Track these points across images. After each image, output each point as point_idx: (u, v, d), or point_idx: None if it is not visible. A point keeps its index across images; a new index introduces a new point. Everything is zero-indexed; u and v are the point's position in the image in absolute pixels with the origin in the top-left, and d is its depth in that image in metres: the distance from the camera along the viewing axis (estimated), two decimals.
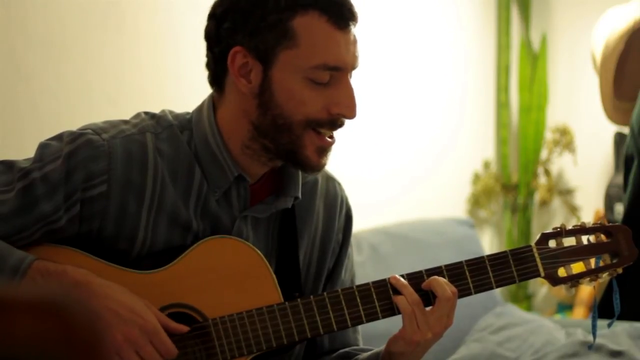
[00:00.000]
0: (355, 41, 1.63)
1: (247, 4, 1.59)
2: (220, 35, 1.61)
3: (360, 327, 1.81)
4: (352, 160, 3.28)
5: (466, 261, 1.69)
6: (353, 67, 1.63)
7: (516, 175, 4.05)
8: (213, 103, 1.67)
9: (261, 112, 1.61)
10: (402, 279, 1.66)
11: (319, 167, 1.64)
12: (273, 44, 1.58)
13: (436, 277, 1.66)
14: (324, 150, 1.63)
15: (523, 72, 4.01)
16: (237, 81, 1.61)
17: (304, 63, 1.58)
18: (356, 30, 1.65)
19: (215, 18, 1.63)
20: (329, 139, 1.63)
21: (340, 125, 1.63)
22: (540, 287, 4.10)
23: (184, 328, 1.58)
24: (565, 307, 3.90)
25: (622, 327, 2.72)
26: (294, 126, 1.60)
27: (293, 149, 1.61)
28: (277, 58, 1.58)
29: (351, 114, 1.62)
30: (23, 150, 1.73)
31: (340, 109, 1.61)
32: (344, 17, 1.60)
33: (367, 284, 1.66)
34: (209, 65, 1.66)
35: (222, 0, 1.63)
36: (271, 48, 1.58)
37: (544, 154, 4.01)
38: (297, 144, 1.61)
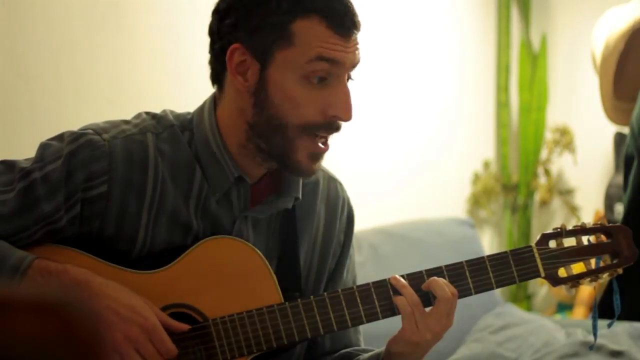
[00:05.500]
0: (355, 44, 1.62)
1: (250, 2, 1.59)
2: (222, 30, 1.61)
3: (361, 328, 1.81)
4: (352, 160, 3.28)
5: (466, 261, 1.69)
6: (352, 64, 1.62)
7: (516, 175, 4.05)
8: (214, 102, 1.67)
9: (257, 111, 1.60)
10: (402, 280, 1.66)
11: (310, 172, 1.64)
12: (270, 44, 1.58)
13: (436, 277, 1.66)
14: (316, 156, 1.62)
15: (523, 72, 4.01)
16: (234, 78, 1.60)
17: (300, 59, 1.57)
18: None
19: (218, 13, 1.63)
20: (322, 146, 1.62)
21: (337, 128, 1.62)
22: (540, 287, 4.10)
23: (184, 326, 1.58)
24: (565, 307, 3.90)
25: (622, 327, 2.72)
26: (289, 128, 1.59)
27: (285, 152, 1.61)
28: (274, 58, 1.58)
29: (346, 116, 1.61)
30: (23, 150, 1.72)
31: (335, 111, 1.60)
32: (345, 25, 1.59)
33: (368, 284, 1.66)
34: (211, 62, 1.66)
35: None
36: (269, 48, 1.58)
37: (544, 154, 4.01)
38: (290, 147, 1.60)
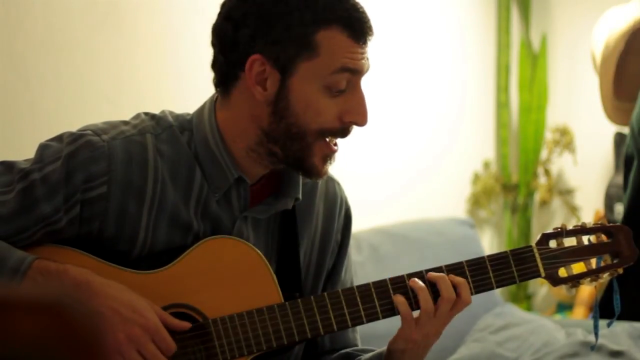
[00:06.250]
0: (367, 49, 1.64)
1: (270, 13, 1.57)
2: (238, 40, 1.59)
3: (358, 327, 1.80)
4: (353, 160, 3.28)
5: (466, 261, 1.69)
6: (367, 70, 1.65)
7: (516, 175, 4.05)
8: (215, 105, 1.67)
9: (274, 120, 1.60)
10: (419, 282, 1.65)
11: (323, 174, 1.65)
12: (294, 55, 1.58)
13: (444, 276, 1.65)
14: (329, 157, 1.64)
15: (523, 72, 4.00)
16: (253, 88, 1.59)
17: (324, 70, 1.58)
18: None
19: (232, 21, 1.60)
20: (334, 147, 1.64)
21: (349, 132, 1.65)
22: (540, 287, 4.10)
23: (185, 324, 1.58)
24: (565, 307, 3.90)
25: (622, 327, 2.72)
26: (307, 135, 1.60)
27: (302, 157, 1.62)
28: (297, 68, 1.58)
29: (363, 122, 1.63)
30: (23, 151, 1.72)
31: (352, 117, 1.62)
32: (363, 32, 1.61)
33: (368, 284, 1.66)
34: (216, 67, 1.65)
35: (241, 3, 1.60)
36: (292, 59, 1.58)
37: (544, 154, 4.01)
38: (307, 152, 1.61)
